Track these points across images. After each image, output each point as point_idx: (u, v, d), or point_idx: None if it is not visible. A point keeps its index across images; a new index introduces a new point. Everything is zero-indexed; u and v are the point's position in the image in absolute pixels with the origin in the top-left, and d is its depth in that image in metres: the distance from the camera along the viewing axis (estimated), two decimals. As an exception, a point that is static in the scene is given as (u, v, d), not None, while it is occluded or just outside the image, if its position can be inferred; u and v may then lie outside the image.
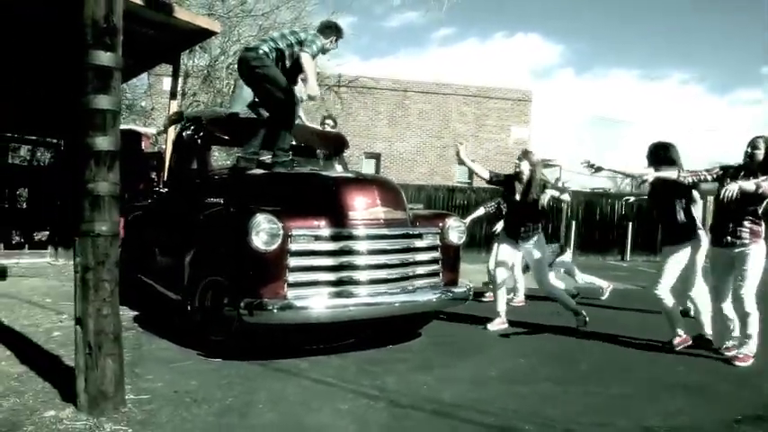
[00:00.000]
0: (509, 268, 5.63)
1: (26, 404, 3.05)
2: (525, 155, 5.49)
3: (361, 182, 4.51)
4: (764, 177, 4.16)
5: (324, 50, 5.17)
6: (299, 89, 5.11)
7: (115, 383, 3.02)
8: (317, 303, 3.92)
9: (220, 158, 5.57)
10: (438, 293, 4.44)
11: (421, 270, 4.42)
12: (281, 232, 3.85)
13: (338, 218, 4.07)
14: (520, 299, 6.78)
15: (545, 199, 5.22)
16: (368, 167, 20.00)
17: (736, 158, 4.62)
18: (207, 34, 8.48)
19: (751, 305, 4.28)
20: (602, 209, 14.93)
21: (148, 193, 8.22)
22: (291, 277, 3.91)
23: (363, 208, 4.16)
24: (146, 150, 11.52)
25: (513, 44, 65.96)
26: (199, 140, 5.39)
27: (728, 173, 4.46)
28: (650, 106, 71.41)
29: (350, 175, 4.93)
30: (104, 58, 2.97)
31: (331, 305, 3.96)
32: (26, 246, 9.49)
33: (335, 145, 6.14)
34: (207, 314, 4.28)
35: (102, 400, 2.97)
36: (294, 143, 5.25)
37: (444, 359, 4.34)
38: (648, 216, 9.59)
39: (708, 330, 4.81)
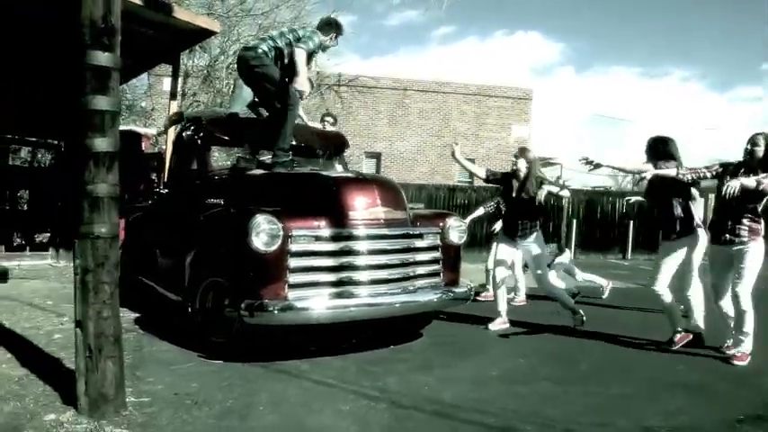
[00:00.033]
0: (508, 267, 5.62)
1: (27, 408, 3.05)
2: (522, 152, 5.48)
3: (362, 182, 4.51)
4: (765, 174, 4.15)
5: (324, 47, 5.17)
6: (308, 90, 5.11)
7: (116, 386, 3.02)
8: (317, 304, 3.91)
9: (220, 159, 5.56)
10: (439, 293, 4.44)
11: (421, 270, 4.41)
12: (282, 233, 3.84)
13: (338, 218, 4.07)
14: (521, 298, 6.77)
15: (542, 195, 5.19)
16: (368, 167, 20.00)
17: (736, 156, 4.61)
18: (206, 34, 8.47)
19: (747, 303, 4.28)
20: (603, 207, 14.91)
21: (149, 193, 8.23)
22: (292, 278, 3.91)
23: (364, 208, 4.15)
24: (146, 151, 11.52)
25: (513, 42, 66.02)
26: (199, 141, 5.38)
27: (728, 170, 4.45)
28: (651, 104, 71.42)
29: (350, 174, 4.93)
30: (102, 58, 2.96)
31: (332, 306, 3.95)
32: (27, 248, 9.49)
33: (336, 145, 6.14)
34: (207, 315, 4.28)
35: (102, 402, 2.97)
36: (294, 143, 5.24)
37: (445, 359, 4.34)
38: (649, 215, 9.56)
39: (700, 324, 4.81)
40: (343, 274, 4.04)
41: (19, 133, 11.32)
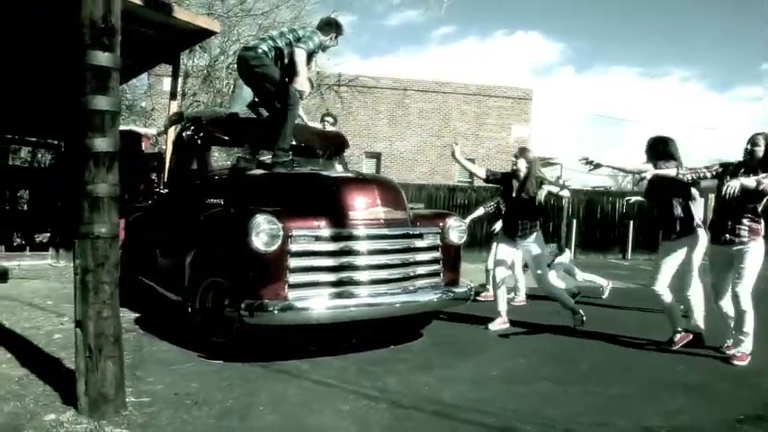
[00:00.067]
0: (508, 267, 5.63)
1: (27, 408, 3.05)
2: (522, 152, 5.48)
3: (362, 182, 4.50)
4: (765, 174, 4.14)
5: (324, 47, 5.17)
6: (307, 90, 5.10)
7: (116, 386, 3.02)
8: (317, 304, 3.91)
9: (220, 159, 5.56)
10: (439, 293, 4.44)
11: (422, 270, 4.41)
12: (282, 233, 3.84)
13: (338, 218, 4.07)
14: (521, 298, 6.77)
15: (542, 194, 5.19)
16: (368, 167, 20.00)
17: (736, 156, 4.61)
18: (206, 34, 8.47)
19: (747, 303, 4.28)
20: (604, 207, 14.90)
21: (149, 193, 8.23)
22: (292, 278, 3.91)
23: (364, 208, 4.15)
24: (146, 151, 11.52)
25: (513, 42, 66.02)
26: (199, 141, 5.38)
27: (728, 170, 4.45)
28: (651, 104, 71.41)
29: (350, 174, 4.93)
30: (102, 58, 2.96)
31: (332, 306, 3.95)
32: (27, 248, 9.49)
33: (336, 145, 6.14)
34: (208, 315, 4.27)
35: (102, 402, 2.97)
36: (294, 143, 5.24)
37: (445, 359, 4.34)
38: (649, 215, 9.57)
39: (700, 324, 4.82)
40: (344, 274, 4.04)
41: (19, 133, 11.32)
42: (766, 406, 3.50)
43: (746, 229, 4.32)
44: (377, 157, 20.76)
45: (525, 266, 6.36)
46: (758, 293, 4.44)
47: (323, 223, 4.03)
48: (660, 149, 4.76)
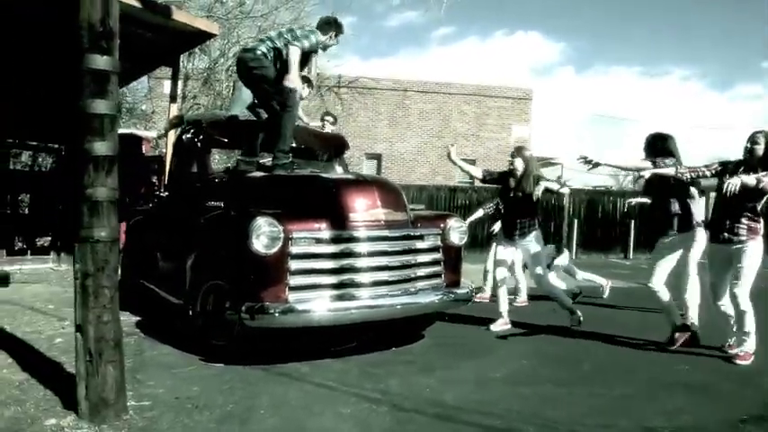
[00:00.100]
0: (508, 267, 5.62)
1: (27, 412, 3.04)
2: (518, 151, 5.48)
3: (362, 183, 4.50)
4: (765, 173, 4.13)
5: (324, 47, 5.14)
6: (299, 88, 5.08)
7: (116, 390, 3.01)
8: (318, 306, 3.90)
9: (221, 161, 5.56)
10: (440, 295, 4.43)
11: (422, 271, 4.40)
12: (282, 235, 3.84)
13: (339, 220, 4.06)
14: (522, 299, 6.75)
15: (539, 190, 5.18)
16: (369, 168, 20.00)
17: (737, 155, 4.59)
18: (206, 36, 8.46)
19: (746, 303, 4.26)
20: (605, 207, 14.89)
21: (149, 197, 8.23)
22: (293, 280, 3.90)
23: (364, 210, 4.14)
24: (146, 154, 11.50)
25: (513, 42, 65.96)
26: (199, 143, 5.38)
27: (728, 169, 4.43)
28: (651, 103, 71.34)
29: (350, 176, 4.93)
30: (101, 61, 2.95)
31: (333, 308, 3.94)
32: (29, 252, 9.48)
33: (336, 146, 6.13)
34: (208, 319, 4.26)
35: (103, 407, 2.96)
36: (294, 145, 5.23)
37: (447, 361, 4.32)
38: (651, 214, 9.55)
39: (695, 322, 4.81)
40: (344, 276, 4.03)
41: (20, 137, 11.33)
42: (769, 406, 3.49)
43: (745, 227, 4.30)
44: (377, 158, 20.77)
45: (525, 267, 6.35)
46: (758, 292, 4.42)
47: (323, 225, 4.02)
48: (659, 146, 4.75)
